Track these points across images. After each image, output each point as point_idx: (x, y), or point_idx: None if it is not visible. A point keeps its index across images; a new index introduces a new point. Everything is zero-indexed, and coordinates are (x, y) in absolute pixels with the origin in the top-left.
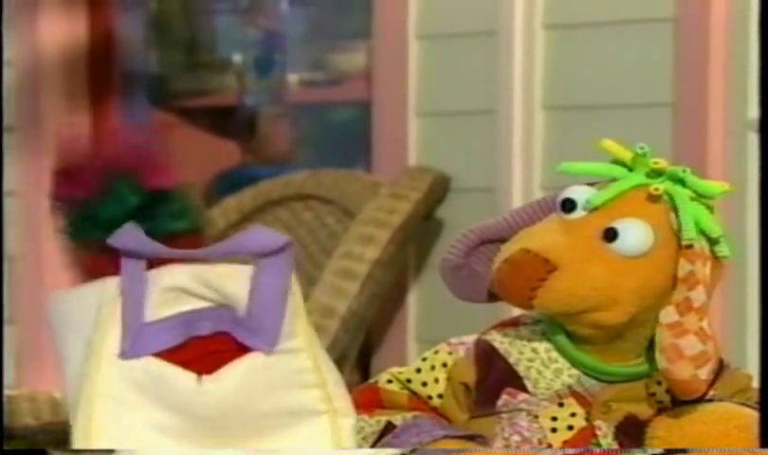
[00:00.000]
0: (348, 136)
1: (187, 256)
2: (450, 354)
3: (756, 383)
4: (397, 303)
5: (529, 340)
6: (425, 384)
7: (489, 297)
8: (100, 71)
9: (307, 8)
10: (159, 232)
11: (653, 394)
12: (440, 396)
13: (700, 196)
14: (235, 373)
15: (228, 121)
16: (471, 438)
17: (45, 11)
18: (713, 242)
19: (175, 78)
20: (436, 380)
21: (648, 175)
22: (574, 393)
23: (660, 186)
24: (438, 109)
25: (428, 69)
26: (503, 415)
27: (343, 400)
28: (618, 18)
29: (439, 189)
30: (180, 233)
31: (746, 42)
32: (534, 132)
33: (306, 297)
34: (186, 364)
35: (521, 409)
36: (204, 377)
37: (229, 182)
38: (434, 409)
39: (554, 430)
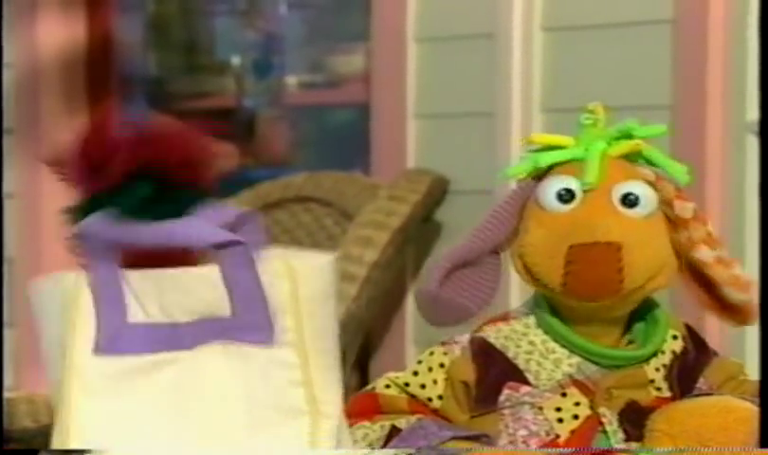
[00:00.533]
0: (346, 139)
1: (139, 242)
2: (446, 354)
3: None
4: (396, 306)
5: (524, 334)
6: (423, 386)
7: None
8: (98, 73)
9: (306, 10)
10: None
11: (652, 381)
12: (440, 397)
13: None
14: (215, 356)
15: (227, 123)
16: (477, 438)
17: (44, 14)
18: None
19: (174, 80)
20: (435, 381)
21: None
22: (575, 382)
23: (638, 141)
24: (437, 111)
25: (426, 71)
26: (506, 411)
27: (330, 404)
28: (617, 20)
29: (438, 191)
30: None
31: (744, 44)
32: (532, 134)
33: None
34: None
35: (524, 403)
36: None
37: (228, 184)
38: (435, 411)
39: (560, 421)
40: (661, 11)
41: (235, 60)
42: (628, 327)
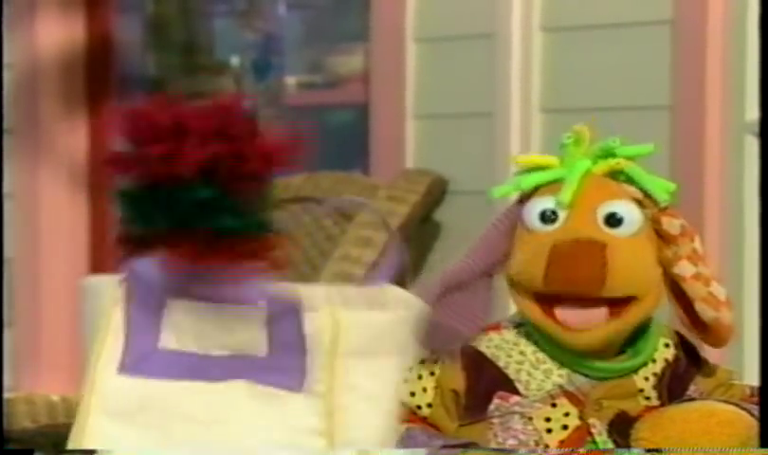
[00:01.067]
0: (346, 139)
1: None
2: (436, 362)
3: (753, 382)
4: None
5: (515, 344)
6: (413, 394)
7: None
8: (97, 74)
9: (305, 10)
10: (217, 229)
11: (641, 390)
12: (429, 405)
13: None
14: (239, 392)
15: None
16: (466, 446)
17: (43, 14)
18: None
19: (173, 80)
20: (424, 389)
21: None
22: (565, 393)
23: (620, 160)
24: (436, 112)
25: (425, 72)
26: (495, 420)
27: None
28: (616, 21)
29: (437, 191)
30: (237, 234)
31: (744, 44)
32: (531, 134)
33: None
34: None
35: (513, 413)
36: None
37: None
38: (423, 419)
39: (549, 431)
40: (660, 12)
41: (234, 60)
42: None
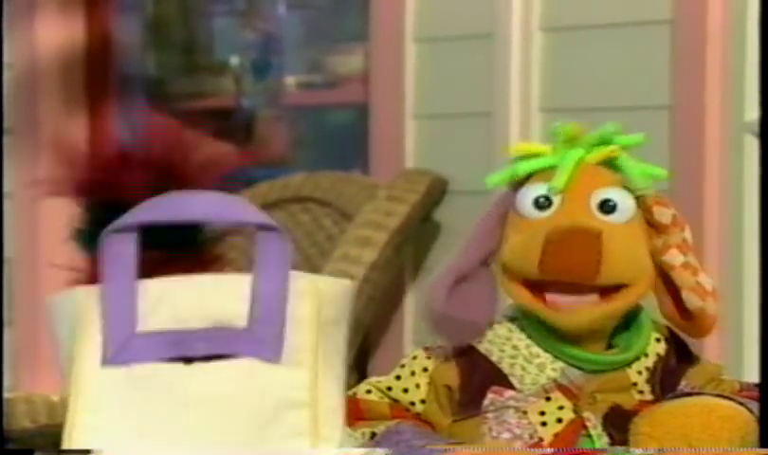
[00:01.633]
0: (345, 139)
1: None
2: (429, 358)
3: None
4: (394, 306)
5: (508, 338)
6: (406, 390)
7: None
8: (97, 74)
9: (304, 10)
10: (152, 242)
11: (635, 384)
12: (422, 402)
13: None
14: (223, 369)
15: (226, 123)
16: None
17: (43, 14)
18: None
19: (173, 80)
20: (417, 386)
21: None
22: (560, 387)
23: (614, 148)
24: (435, 112)
25: (425, 72)
26: (489, 415)
27: (332, 427)
28: (615, 21)
29: (436, 191)
30: (174, 247)
31: (743, 44)
32: (531, 135)
33: None
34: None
35: (508, 407)
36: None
37: (226, 184)
38: (417, 416)
39: (543, 424)
40: (660, 12)
41: (234, 60)
42: (611, 332)
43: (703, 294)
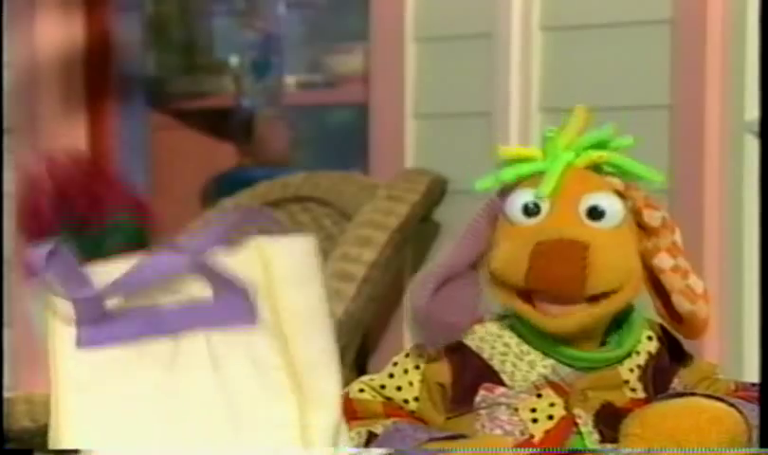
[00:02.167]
0: (345, 138)
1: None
2: (421, 356)
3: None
4: (394, 306)
5: (499, 335)
6: (399, 388)
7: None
8: (97, 73)
9: (304, 10)
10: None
11: (627, 381)
12: (416, 399)
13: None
14: (199, 344)
15: (226, 123)
16: (454, 438)
17: (43, 14)
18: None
19: (173, 80)
20: (410, 383)
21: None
22: (550, 384)
23: (603, 153)
24: (435, 111)
25: (425, 71)
26: (482, 411)
27: (324, 395)
28: (615, 20)
29: (436, 191)
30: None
31: (743, 44)
32: (531, 134)
33: None
34: None
35: (499, 404)
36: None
37: (226, 184)
38: (410, 413)
39: (534, 421)
40: (660, 11)
41: (234, 59)
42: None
43: (693, 297)
